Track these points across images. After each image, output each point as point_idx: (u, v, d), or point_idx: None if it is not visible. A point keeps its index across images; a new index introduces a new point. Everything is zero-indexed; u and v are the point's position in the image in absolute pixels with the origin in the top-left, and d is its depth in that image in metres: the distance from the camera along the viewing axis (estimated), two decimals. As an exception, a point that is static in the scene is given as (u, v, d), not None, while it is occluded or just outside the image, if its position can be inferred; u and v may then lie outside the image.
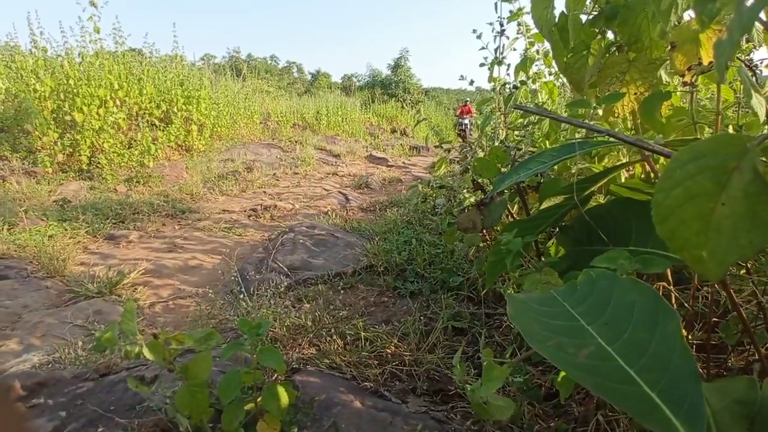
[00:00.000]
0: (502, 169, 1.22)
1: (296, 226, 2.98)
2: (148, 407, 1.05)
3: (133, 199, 4.02)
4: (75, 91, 5.02)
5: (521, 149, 1.22)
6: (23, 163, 4.74)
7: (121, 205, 3.76)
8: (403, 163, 7.85)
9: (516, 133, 2.01)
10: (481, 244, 1.60)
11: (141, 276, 2.48)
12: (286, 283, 2.04)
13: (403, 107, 16.12)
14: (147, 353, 0.90)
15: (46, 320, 1.94)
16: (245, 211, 4.01)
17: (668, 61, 1.12)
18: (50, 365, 1.58)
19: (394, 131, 13.50)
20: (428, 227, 2.79)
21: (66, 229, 3.11)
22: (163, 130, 6.05)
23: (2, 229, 3.03)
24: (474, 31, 2.36)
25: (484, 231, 1.41)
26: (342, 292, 1.99)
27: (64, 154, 4.91)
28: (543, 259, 1.13)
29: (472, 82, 2.65)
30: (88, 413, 1.07)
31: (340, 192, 4.82)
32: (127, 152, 5.21)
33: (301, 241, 2.64)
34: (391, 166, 7.41)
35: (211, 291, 2.20)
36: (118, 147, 5.19)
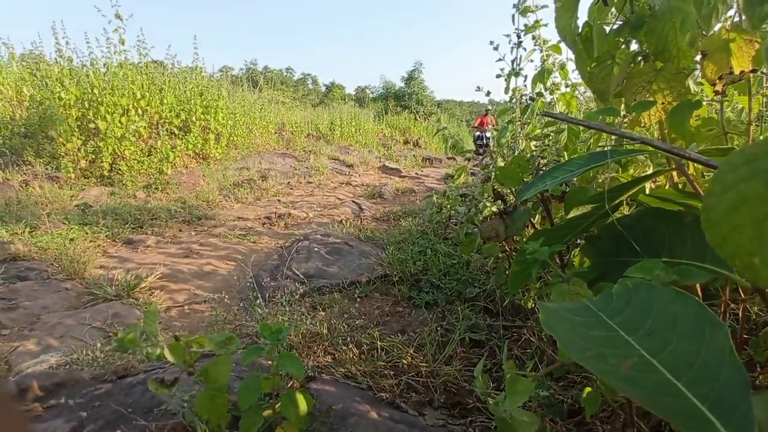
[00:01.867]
0: (525, 179, 1.20)
1: (311, 234, 2.98)
2: (166, 410, 1.05)
3: (152, 205, 4.09)
4: (99, 99, 5.17)
5: (545, 158, 1.20)
6: (46, 169, 4.87)
7: (140, 211, 3.83)
8: (416, 173, 7.85)
9: (533, 143, 1.99)
10: (500, 255, 1.57)
11: (158, 280, 2.51)
12: (301, 291, 2.04)
13: (416, 119, 16.21)
14: (168, 355, 0.90)
15: (64, 321, 1.97)
16: (260, 218, 4.04)
17: (696, 71, 1.10)
18: (68, 366, 1.59)
19: (407, 142, 13.56)
20: (443, 237, 2.77)
21: (86, 233, 3.17)
22: (181, 139, 6.19)
23: (24, 231, 3.11)
24: (491, 42, 2.38)
25: (504, 241, 1.39)
26: (357, 300, 1.98)
27: (86, 160, 5.04)
28: (567, 270, 1.10)
29: (488, 93, 2.65)
30: (106, 415, 1.07)
31: (353, 201, 4.83)
32: (146, 159, 5.33)
33: (315, 249, 2.64)
34: (404, 176, 7.42)
35: (226, 297, 2.20)
36: (138, 154, 5.32)
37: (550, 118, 2.33)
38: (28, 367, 1.68)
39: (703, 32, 1.02)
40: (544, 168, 1.20)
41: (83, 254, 2.64)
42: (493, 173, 1.36)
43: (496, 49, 2.33)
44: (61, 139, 4.92)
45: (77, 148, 4.96)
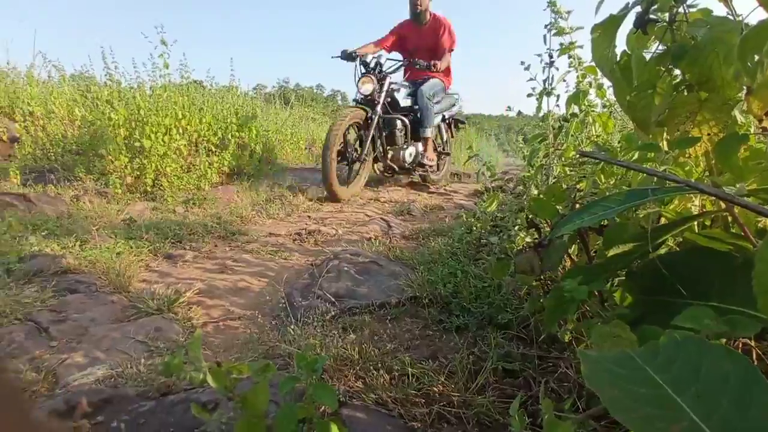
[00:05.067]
0: (560, 208, 1.19)
1: (341, 253, 3.03)
2: (205, 431, 1.09)
3: (190, 220, 4.27)
4: (145, 120, 5.50)
5: (581, 190, 1.19)
6: (96, 184, 5.20)
7: (179, 226, 4.00)
8: (444, 189, 7.80)
9: (568, 169, 1.96)
10: (534, 283, 1.55)
11: (195, 296, 2.61)
12: (332, 312, 2.07)
13: (444, 133, 16.20)
14: (210, 381, 0.94)
15: (110, 335, 2.07)
16: (290, 234, 4.13)
17: (743, 102, 1.06)
18: (113, 379, 1.67)
19: (434, 157, 13.54)
20: (473, 259, 2.74)
21: (131, 247, 3.34)
22: (218, 156, 6.46)
23: (74, 245, 3.31)
24: (522, 63, 2.37)
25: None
26: (387, 323, 1.98)
27: (132, 177, 5.35)
28: (606, 305, 1.08)
29: (519, 113, 2.64)
30: (150, 434, 1.13)
31: (382, 218, 4.86)
32: (186, 176, 5.59)
33: (345, 268, 2.68)
34: (432, 192, 7.39)
35: (259, 315, 2.26)
36: (178, 171, 5.59)
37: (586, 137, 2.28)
38: (74, 380, 1.77)
39: (749, 64, 0.98)
40: (580, 200, 1.19)
41: (128, 268, 2.78)
42: (526, 203, 1.35)
43: (527, 69, 2.33)
44: (110, 157, 5.25)
45: (124, 166, 5.28)
